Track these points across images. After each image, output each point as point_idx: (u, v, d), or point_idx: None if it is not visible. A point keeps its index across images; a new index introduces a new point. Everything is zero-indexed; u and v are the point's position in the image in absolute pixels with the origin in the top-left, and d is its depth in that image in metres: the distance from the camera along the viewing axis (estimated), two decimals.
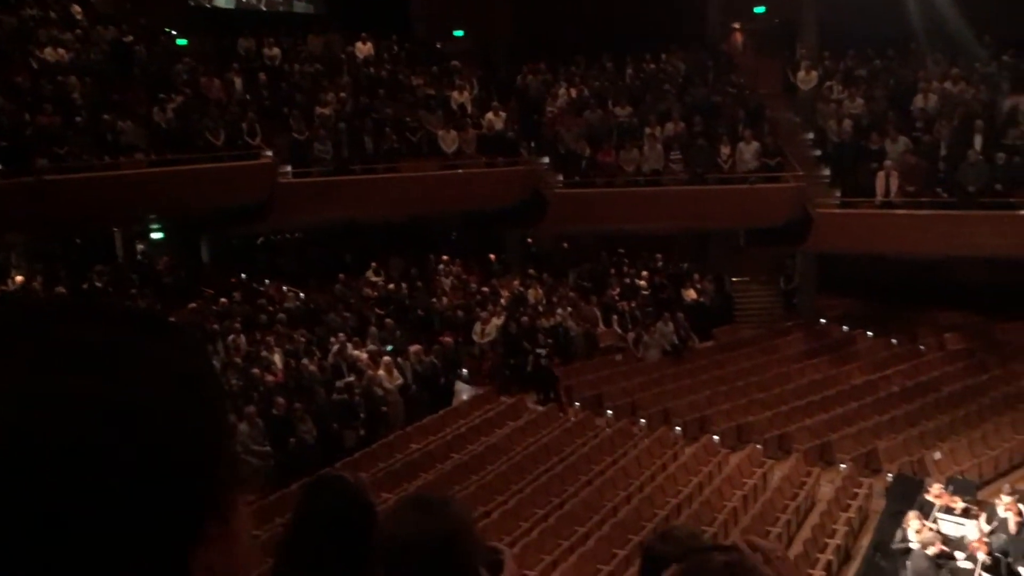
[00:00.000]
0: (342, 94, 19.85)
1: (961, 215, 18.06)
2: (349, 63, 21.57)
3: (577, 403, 16.73)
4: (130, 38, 19.32)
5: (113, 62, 18.64)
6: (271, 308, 17.43)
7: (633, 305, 19.69)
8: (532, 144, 21.19)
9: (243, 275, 19.91)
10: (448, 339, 16.94)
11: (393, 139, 19.25)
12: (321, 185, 18.04)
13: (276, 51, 20.74)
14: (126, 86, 18.02)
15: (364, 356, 15.62)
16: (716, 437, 15.48)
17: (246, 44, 20.76)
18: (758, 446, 15.11)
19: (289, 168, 18.09)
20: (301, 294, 18.81)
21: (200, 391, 0.66)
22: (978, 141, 18.57)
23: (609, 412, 16.34)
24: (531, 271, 20.57)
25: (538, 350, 17.26)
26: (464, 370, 17.31)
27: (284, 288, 19.13)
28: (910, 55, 21.68)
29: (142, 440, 0.60)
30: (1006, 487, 12.50)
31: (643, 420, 16.15)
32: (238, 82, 19.16)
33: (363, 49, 22.10)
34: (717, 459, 14.67)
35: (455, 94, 21.16)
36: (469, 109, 21.03)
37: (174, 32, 21.45)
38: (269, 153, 17.84)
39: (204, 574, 0.63)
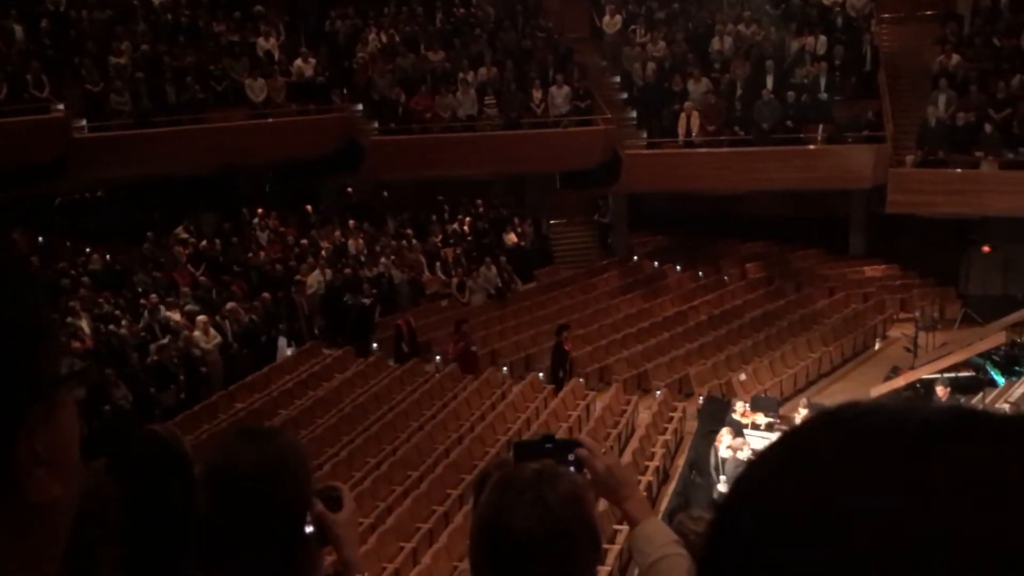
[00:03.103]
0: (138, 42, 18.71)
1: (757, 151, 19.24)
2: (144, 8, 20.28)
3: (405, 350, 16.78)
4: None
5: None
6: (74, 271, 16.43)
7: (457, 251, 19.85)
8: (344, 91, 20.76)
9: (40, 238, 18.59)
10: (267, 294, 16.54)
11: (197, 89, 18.36)
12: (121, 139, 17.00)
13: None
14: None
15: (178, 317, 15.04)
16: (541, 374, 15.98)
17: None
18: (580, 379, 15.71)
19: (84, 122, 16.94)
20: (107, 255, 17.78)
21: (13, 282, 0.68)
22: (770, 81, 19.74)
23: (438, 358, 16.51)
24: (351, 221, 20.30)
25: (364, 300, 17.16)
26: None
27: (88, 250, 18.02)
28: None
29: None
30: (804, 401, 13.60)
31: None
32: (18, 30, 17.64)
33: None
34: (543, 395, 15.15)
35: (261, 40, 20.37)
36: (276, 56, 20.31)
37: None
38: (60, 106, 16.62)
39: (29, 459, 0.65)
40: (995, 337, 15.58)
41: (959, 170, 18.11)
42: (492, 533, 1.54)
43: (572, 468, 1.69)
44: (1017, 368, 15.25)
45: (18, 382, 0.64)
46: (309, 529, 1.83)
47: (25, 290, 0.69)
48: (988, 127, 17.88)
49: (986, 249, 18.53)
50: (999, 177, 17.72)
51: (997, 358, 15.50)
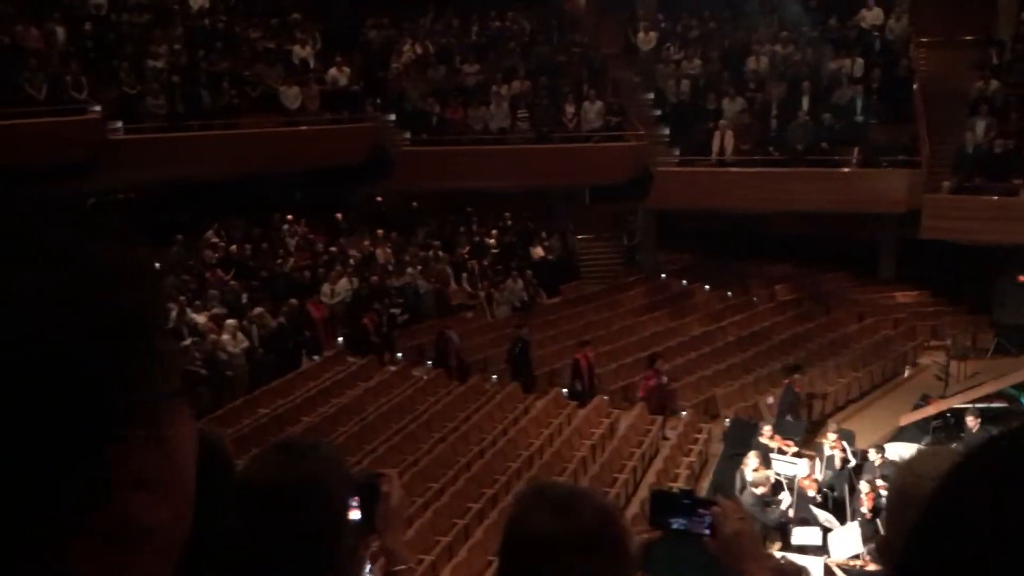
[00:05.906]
0: (175, 46, 18.87)
1: (790, 172, 19.05)
2: (182, 14, 20.49)
3: (429, 362, 16.73)
4: None
5: None
6: None
7: (484, 263, 19.81)
8: (377, 100, 20.82)
9: None
10: (295, 301, 16.55)
11: (231, 94, 18.49)
12: (154, 142, 17.11)
13: None
14: None
15: (205, 320, 15.07)
16: (564, 390, 15.85)
17: None
18: (605, 397, 15.57)
19: (120, 124, 17.07)
20: None
21: (122, 289, 0.59)
22: (805, 102, 19.56)
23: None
24: (379, 230, 20.32)
25: (392, 310, 17.14)
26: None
27: None
28: (742, 18, 22.53)
29: (41, 329, 0.54)
30: (832, 426, 13.38)
31: (494, 376, 16.34)
32: (60, 32, 17.85)
33: None
34: (566, 411, 15.03)
35: (296, 48, 20.50)
36: (311, 64, 20.42)
37: None
38: (97, 108, 16.75)
39: (126, 483, 0.58)
40: None
41: (995, 197, 17.83)
42: (517, 534, 1.57)
43: (705, 527, 1.75)
44: None
45: (111, 398, 0.55)
46: (356, 515, 1.79)
47: (134, 289, 0.59)
48: None
49: (1021, 278, 18.21)
50: None
51: None
